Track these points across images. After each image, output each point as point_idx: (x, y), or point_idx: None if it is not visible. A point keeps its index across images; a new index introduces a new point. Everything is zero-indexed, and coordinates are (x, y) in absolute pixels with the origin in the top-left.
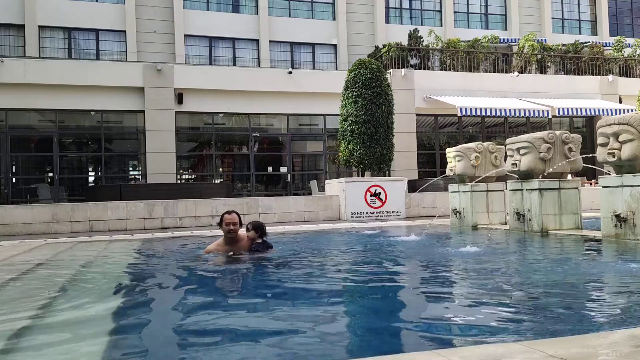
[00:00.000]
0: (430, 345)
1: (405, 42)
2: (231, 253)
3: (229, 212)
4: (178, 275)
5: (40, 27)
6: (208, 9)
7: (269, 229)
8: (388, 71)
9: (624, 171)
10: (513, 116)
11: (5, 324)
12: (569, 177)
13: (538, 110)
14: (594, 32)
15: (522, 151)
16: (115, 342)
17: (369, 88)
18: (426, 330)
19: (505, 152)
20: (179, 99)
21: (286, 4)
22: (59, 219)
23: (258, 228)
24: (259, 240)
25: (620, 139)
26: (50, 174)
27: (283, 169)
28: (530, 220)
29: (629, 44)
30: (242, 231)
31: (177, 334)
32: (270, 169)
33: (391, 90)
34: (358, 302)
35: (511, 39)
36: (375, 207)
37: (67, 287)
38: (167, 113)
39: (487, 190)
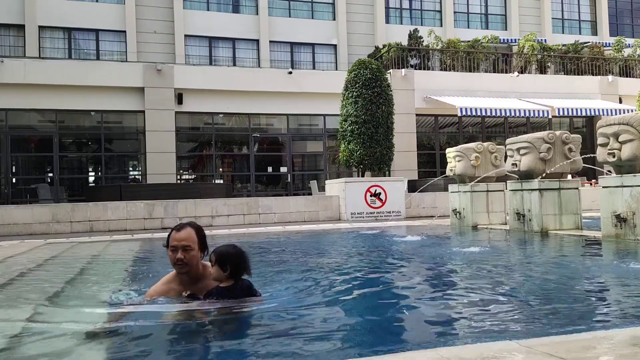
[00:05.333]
0: (430, 345)
1: (405, 42)
2: (185, 294)
3: (177, 229)
4: None
5: (40, 27)
6: (208, 9)
7: (269, 229)
8: (388, 71)
9: (624, 171)
10: (513, 116)
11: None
12: (569, 177)
13: (538, 110)
14: (594, 32)
15: (522, 151)
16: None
17: (369, 88)
18: (426, 330)
19: (505, 152)
20: (179, 99)
21: (286, 4)
22: (59, 219)
23: (225, 260)
24: (225, 284)
25: (620, 139)
26: (50, 174)
27: (283, 169)
28: (530, 220)
29: (629, 44)
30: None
31: None
32: (270, 169)
33: (391, 91)
34: (357, 302)
35: (511, 39)
36: (375, 207)
37: (59, 295)
38: (167, 113)
39: (487, 191)
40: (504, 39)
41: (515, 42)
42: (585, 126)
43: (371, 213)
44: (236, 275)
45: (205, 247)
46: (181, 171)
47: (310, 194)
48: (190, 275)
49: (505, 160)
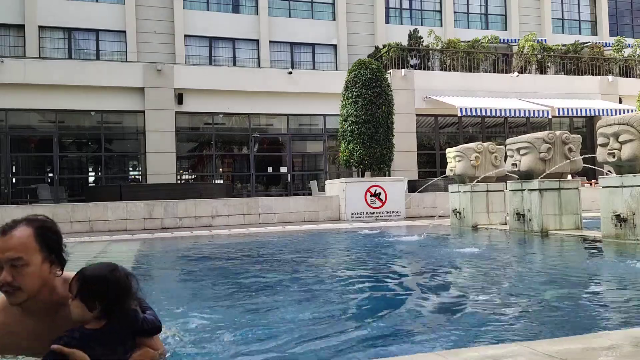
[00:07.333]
0: (430, 346)
1: (405, 43)
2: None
3: (2, 231)
4: None
5: (40, 27)
6: (208, 9)
7: (269, 229)
8: (388, 71)
9: (624, 171)
10: (513, 116)
11: None
12: (569, 177)
13: (538, 110)
14: (594, 32)
15: (522, 151)
16: None
17: (369, 88)
18: (426, 332)
19: (505, 152)
20: (179, 99)
21: (286, 4)
22: (59, 219)
23: (94, 290)
24: (92, 326)
25: (620, 139)
26: (50, 174)
27: (283, 169)
28: (530, 220)
29: (629, 44)
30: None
31: None
32: (270, 169)
33: (391, 91)
34: (357, 303)
35: (511, 39)
36: (375, 208)
37: None
38: (167, 113)
39: (487, 191)
40: (504, 39)
41: (515, 42)
42: (585, 126)
43: (371, 213)
44: (111, 314)
45: (59, 255)
46: (181, 171)
47: (310, 194)
48: (38, 303)
49: (505, 160)
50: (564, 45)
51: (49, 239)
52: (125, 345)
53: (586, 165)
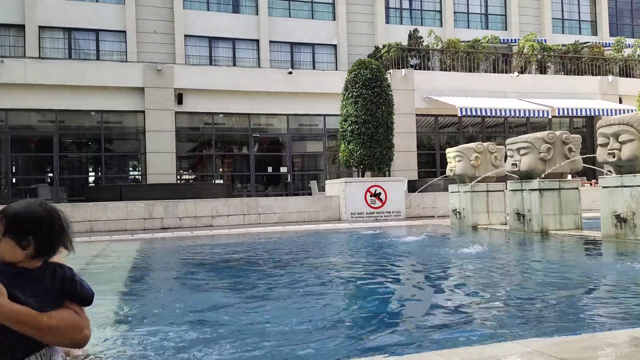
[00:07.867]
0: (430, 346)
1: (405, 43)
2: None
3: None
4: None
5: (40, 27)
6: (208, 9)
7: (268, 229)
8: (388, 71)
9: (624, 171)
10: (513, 116)
11: None
12: (569, 177)
13: (538, 110)
14: (594, 32)
15: (522, 151)
16: None
17: (369, 88)
18: (426, 331)
19: (505, 153)
20: (179, 99)
21: (286, 4)
22: None
23: (24, 224)
24: (25, 265)
25: (620, 139)
26: (50, 174)
27: (283, 169)
28: (530, 220)
29: (629, 44)
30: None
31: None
32: (270, 169)
33: (391, 91)
34: (357, 303)
35: (511, 39)
36: (376, 208)
37: None
38: (167, 113)
39: (487, 191)
40: (504, 39)
41: (515, 42)
42: (585, 126)
43: (371, 213)
44: (46, 251)
45: None
46: (181, 171)
47: (310, 194)
48: None
49: (505, 160)
50: (564, 45)
51: None
52: (54, 298)
53: (586, 165)
